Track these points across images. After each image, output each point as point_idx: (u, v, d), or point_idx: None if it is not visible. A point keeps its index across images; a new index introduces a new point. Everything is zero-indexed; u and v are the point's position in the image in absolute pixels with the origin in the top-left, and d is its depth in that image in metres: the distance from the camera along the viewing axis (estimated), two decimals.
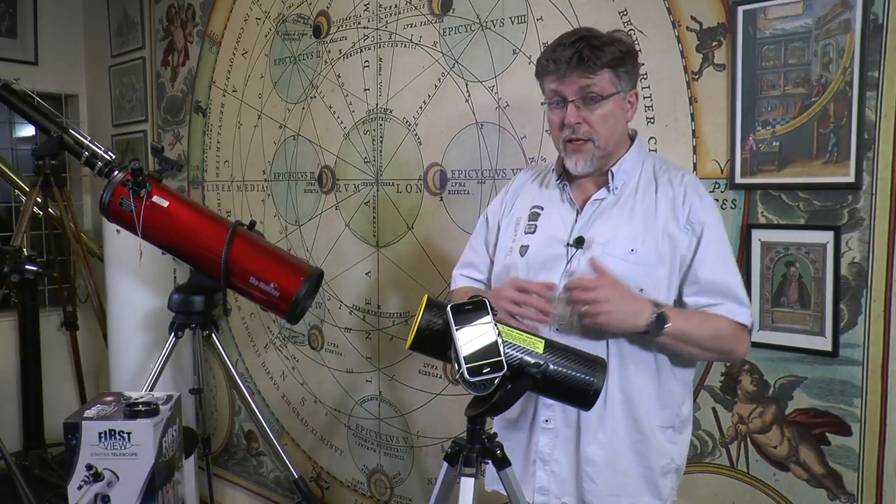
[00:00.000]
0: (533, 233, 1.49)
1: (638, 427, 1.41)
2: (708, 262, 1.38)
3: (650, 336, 1.32)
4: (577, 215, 1.46)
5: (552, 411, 1.44)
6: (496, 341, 1.13)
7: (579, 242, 1.42)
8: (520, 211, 1.55)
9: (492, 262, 1.60)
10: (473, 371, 1.11)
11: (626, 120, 1.44)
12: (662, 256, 1.38)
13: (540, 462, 1.45)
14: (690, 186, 1.41)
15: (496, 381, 1.13)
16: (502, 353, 1.12)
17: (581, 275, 1.39)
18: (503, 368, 1.12)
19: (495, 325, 1.14)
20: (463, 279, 1.67)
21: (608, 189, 1.44)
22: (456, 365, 1.13)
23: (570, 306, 1.38)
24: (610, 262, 1.37)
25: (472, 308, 1.15)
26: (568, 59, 1.35)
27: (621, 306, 1.30)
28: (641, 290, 1.37)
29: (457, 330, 1.13)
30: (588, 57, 1.34)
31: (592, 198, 1.45)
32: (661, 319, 1.30)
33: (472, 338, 1.13)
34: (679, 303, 1.41)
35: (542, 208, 1.51)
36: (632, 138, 1.48)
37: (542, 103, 1.45)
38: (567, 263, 1.42)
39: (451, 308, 1.15)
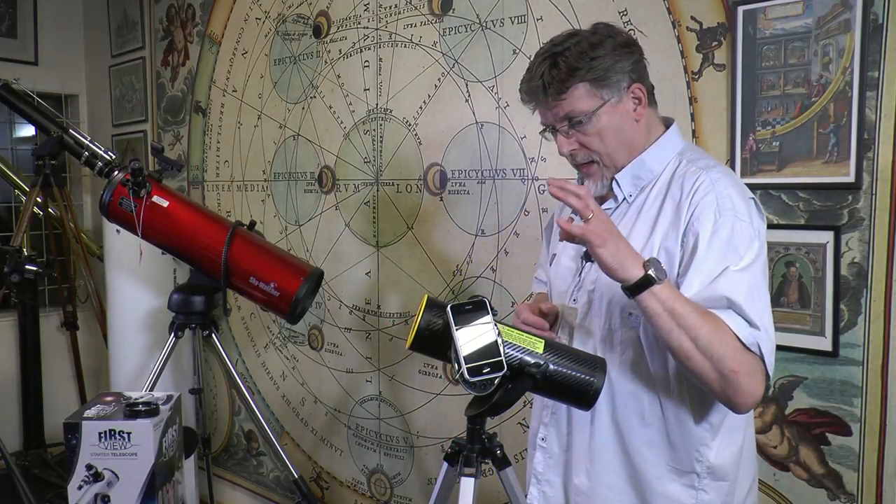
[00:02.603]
0: (563, 241, 1.40)
1: (631, 462, 1.27)
2: (700, 279, 1.14)
3: (639, 293, 1.10)
4: None
5: (547, 430, 1.38)
6: (496, 341, 1.13)
7: (588, 256, 1.26)
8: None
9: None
10: (473, 371, 1.11)
11: (633, 120, 1.26)
12: None
13: (534, 479, 1.40)
14: (702, 188, 1.18)
15: (496, 381, 1.13)
16: (502, 353, 1.12)
17: (583, 289, 1.30)
18: (503, 368, 1.12)
19: (495, 324, 1.14)
20: (535, 283, 1.59)
21: (616, 198, 1.30)
22: (456, 365, 1.13)
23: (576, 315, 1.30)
24: (603, 281, 1.22)
25: (472, 308, 1.15)
26: (537, 88, 1.22)
27: (621, 243, 1.11)
28: (631, 314, 1.23)
29: (457, 330, 1.13)
30: (550, 82, 1.20)
31: (602, 207, 1.26)
32: (658, 266, 1.09)
33: (471, 338, 1.13)
34: None
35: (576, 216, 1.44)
36: (666, 127, 1.31)
37: (540, 132, 1.34)
38: (577, 276, 1.33)
39: (450, 308, 1.15)
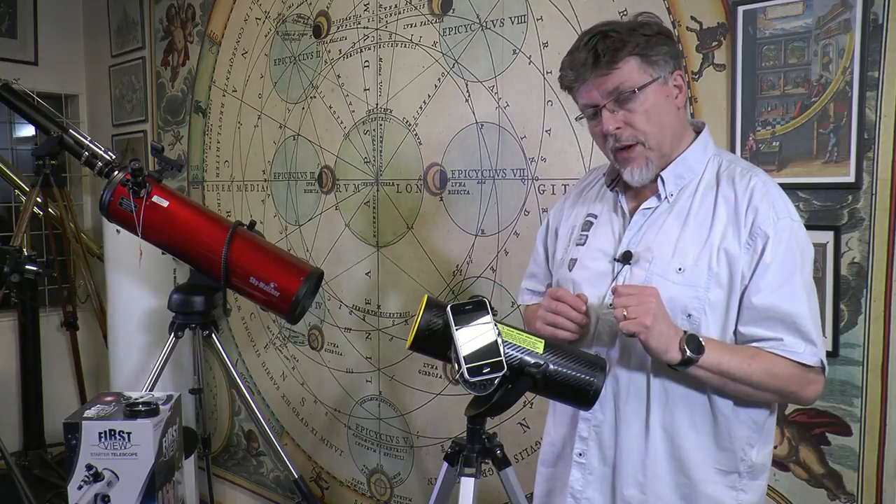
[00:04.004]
0: (583, 244, 1.35)
1: (682, 469, 1.25)
2: (766, 284, 1.17)
3: (682, 368, 1.16)
4: (626, 226, 1.31)
5: (586, 445, 1.31)
6: (496, 341, 1.13)
7: (626, 258, 1.26)
8: (576, 218, 1.41)
9: (551, 272, 1.47)
10: (473, 371, 1.11)
11: (676, 107, 1.25)
12: (718, 277, 1.20)
13: (571, 498, 1.33)
14: (759, 191, 1.20)
15: (496, 381, 1.13)
16: (502, 353, 1.12)
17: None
18: (503, 368, 1.12)
19: (495, 324, 1.14)
20: (526, 294, 1.55)
21: (659, 197, 1.27)
22: (456, 365, 1.13)
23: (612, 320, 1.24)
24: (655, 282, 1.21)
25: (472, 308, 1.15)
26: (584, 61, 1.20)
27: (662, 326, 1.14)
28: (689, 315, 1.21)
29: (457, 330, 1.13)
30: (603, 51, 1.18)
31: (642, 206, 1.28)
32: (694, 342, 1.14)
33: (471, 337, 1.13)
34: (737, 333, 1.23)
35: (595, 217, 1.36)
36: (697, 131, 1.30)
37: (576, 118, 1.32)
38: (612, 281, 1.27)
39: (450, 308, 1.15)
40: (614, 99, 1.20)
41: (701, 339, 1.15)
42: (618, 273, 1.27)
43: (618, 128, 1.22)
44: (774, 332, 1.17)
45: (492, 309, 1.16)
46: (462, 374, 1.11)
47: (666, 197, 1.26)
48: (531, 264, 1.56)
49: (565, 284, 1.36)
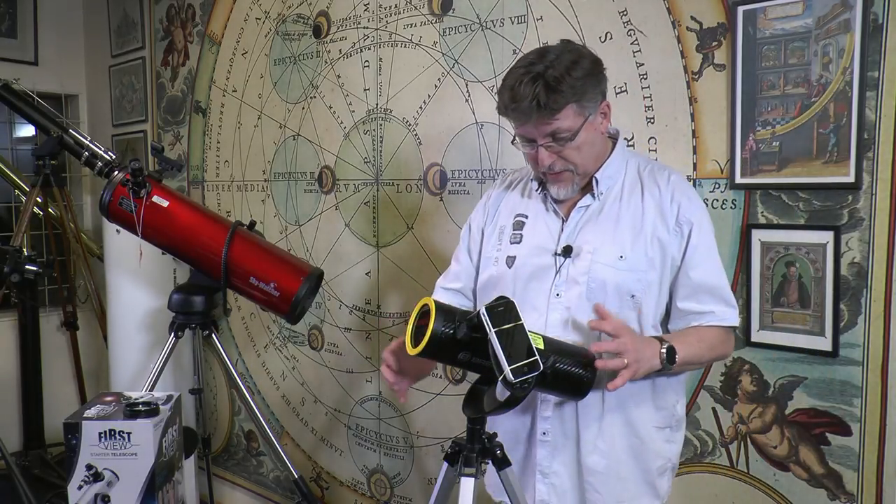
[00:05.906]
0: (518, 242, 1.46)
1: (634, 431, 1.39)
2: (698, 262, 1.36)
3: (664, 371, 1.31)
4: (562, 223, 1.42)
5: (549, 424, 1.41)
6: (529, 341, 1.13)
7: (567, 251, 1.38)
8: (503, 220, 1.51)
9: (477, 272, 1.55)
10: (517, 372, 1.11)
11: (601, 133, 1.39)
12: (652, 261, 1.36)
13: (539, 475, 1.43)
14: (678, 186, 1.39)
15: (534, 381, 1.13)
16: (536, 353, 1.13)
17: (569, 282, 1.37)
18: (539, 368, 1.12)
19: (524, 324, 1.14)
20: (439, 291, 1.60)
21: (593, 195, 1.41)
22: (497, 368, 1.12)
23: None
24: (600, 270, 1.35)
25: (504, 308, 1.15)
26: (528, 106, 1.28)
27: (644, 352, 1.26)
28: (633, 296, 1.36)
29: (494, 331, 1.12)
30: (545, 103, 1.27)
31: (577, 205, 1.42)
32: (671, 352, 1.28)
33: (507, 339, 1.13)
34: (670, 308, 1.40)
35: (526, 217, 1.48)
36: (613, 139, 1.45)
37: (511, 142, 1.41)
38: (556, 274, 1.39)
39: (485, 309, 1.14)
40: (551, 138, 1.32)
41: (674, 346, 1.29)
42: (560, 266, 1.39)
43: (552, 161, 1.35)
44: (705, 306, 1.37)
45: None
46: (505, 377, 1.11)
47: (597, 196, 1.41)
48: (452, 266, 1.61)
49: (505, 280, 1.45)
